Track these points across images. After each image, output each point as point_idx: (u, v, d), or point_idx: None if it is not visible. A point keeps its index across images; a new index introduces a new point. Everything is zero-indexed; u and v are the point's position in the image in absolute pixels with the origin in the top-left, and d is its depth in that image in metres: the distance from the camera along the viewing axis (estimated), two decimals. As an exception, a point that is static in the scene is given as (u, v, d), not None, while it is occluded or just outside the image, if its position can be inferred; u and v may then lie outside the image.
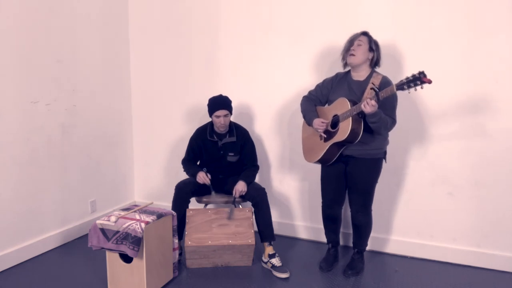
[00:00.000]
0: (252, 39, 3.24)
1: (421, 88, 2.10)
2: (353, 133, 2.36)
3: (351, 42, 2.51)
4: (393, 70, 2.81)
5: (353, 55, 2.47)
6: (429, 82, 2.06)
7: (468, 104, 2.70)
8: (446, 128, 2.77)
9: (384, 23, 2.82)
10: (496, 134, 2.66)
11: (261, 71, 3.25)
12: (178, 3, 3.46)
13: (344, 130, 2.39)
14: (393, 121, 2.45)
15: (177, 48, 3.52)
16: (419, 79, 2.07)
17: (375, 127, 2.37)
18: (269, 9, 3.16)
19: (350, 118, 2.35)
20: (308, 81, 3.06)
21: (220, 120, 2.83)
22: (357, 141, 2.40)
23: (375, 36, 2.52)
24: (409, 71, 2.79)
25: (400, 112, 2.79)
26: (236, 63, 3.33)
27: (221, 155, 2.96)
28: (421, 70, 2.10)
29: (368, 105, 2.23)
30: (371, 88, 2.31)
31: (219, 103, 2.84)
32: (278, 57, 3.18)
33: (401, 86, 2.13)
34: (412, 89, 2.11)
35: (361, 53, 2.46)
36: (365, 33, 2.51)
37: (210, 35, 3.38)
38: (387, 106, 2.38)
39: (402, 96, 2.66)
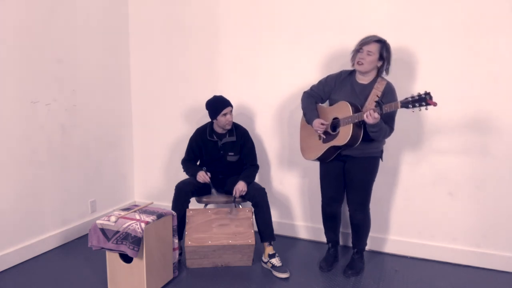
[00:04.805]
0: (252, 39, 3.24)
1: (426, 109, 2.09)
2: (353, 139, 2.38)
3: (361, 45, 2.41)
4: (391, 70, 2.81)
5: (361, 63, 2.42)
6: (434, 104, 2.05)
7: (467, 104, 2.70)
8: (446, 127, 2.76)
9: (383, 23, 2.82)
10: (496, 134, 2.66)
11: (261, 71, 3.25)
12: (178, 3, 3.45)
13: (345, 135, 2.40)
14: (391, 130, 2.45)
15: (177, 48, 3.52)
16: (425, 100, 2.06)
17: (374, 136, 2.39)
18: (269, 8, 3.15)
19: (351, 124, 2.36)
20: (308, 81, 3.05)
21: (228, 118, 2.85)
22: (356, 145, 2.42)
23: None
24: (407, 72, 2.80)
25: (400, 112, 2.80)
26: (235, 63, 3.33)
27: (221, 155, 2.96)
28: (427, 90, 2.09)
29: (371, 117, 2.24)
30: (375, 101, 2.30)
31: (223, 101, 2.86)
32: (277, 57, 3.18)
33: (406, 104, 2.13)
34: (416, 109, 2.10)
35: (368, 63, 2.40)
36: (378, 40, 2.39)
37: (210, 35, 3.38)
38: (387, 116, 2.38)
39: (402, 92, 2.66)
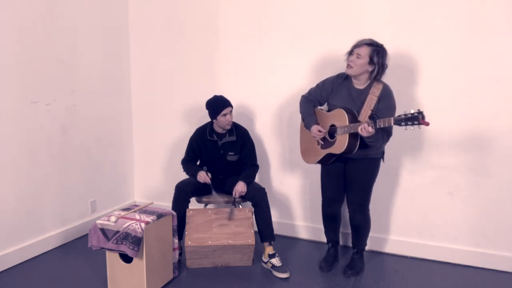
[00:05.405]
0: (251, 40, 3.24)
1: (419, 128, 2.09)
2: (350, 147, 2.38)
3: (353, 47, 2.40)
4: (392, 72, 2.81)
5: (350, 66, 2.41)
6: (427, 124, 2.06)
7: (467, 104, 2.70)
8: (446, 127, 2.76)
9: (384, 24, 2.82)
10: (496, 134, 2.66)
11: (261, 71, 3.25)
12: (178, 4, 3.45)
13: (341, 145, 2.41)
14: (389, 135, 2.44)
15: (177, 48, 3.52)
16: (417, 119, 2.06)
17: (371, 144, 2.39)
18: (269, 9, 3.15)
19: (348, 134, 2.36)
20: (308, 81, 3.05)
21: (228, 118, 2.85)
22: (353, 152, 2.42)
23: (375, 38, 2.47)
24: (407, 73, 2.80)
25: (400, 111, 2.80)
26: (235, 63, 3.33)
27: (221, 155, 2.96)
28: (420, 109, 2.09)
29: (365, 131, 2.23)
30: (370, 115, 2.30)
31: (223, 102, 2.86)
32: (277, 57, 3.18)
33: (399, 121, 2.13)
34: (409, 127, 2.10)
35: (358, 66, 2.37)
36: (369, 44, 2.34)
37: (210, 35, 3.38)
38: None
39: (402, 94, 2.67)
